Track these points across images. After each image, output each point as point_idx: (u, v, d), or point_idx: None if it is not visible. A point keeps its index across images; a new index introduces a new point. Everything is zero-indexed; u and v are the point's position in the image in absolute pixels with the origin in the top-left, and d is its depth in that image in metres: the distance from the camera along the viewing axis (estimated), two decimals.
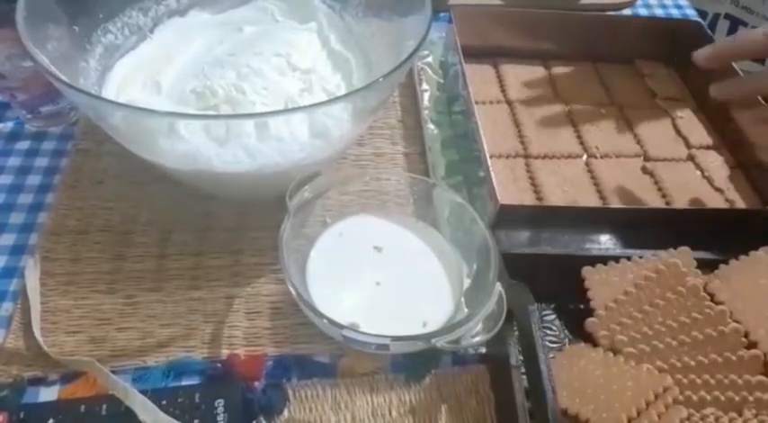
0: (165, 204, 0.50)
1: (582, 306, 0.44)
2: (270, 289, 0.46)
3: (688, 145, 0.59)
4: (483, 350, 0.43)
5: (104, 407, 0.38)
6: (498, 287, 0.37)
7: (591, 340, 0.42)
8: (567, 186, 0.53)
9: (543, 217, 0.47)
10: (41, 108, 0.54)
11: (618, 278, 0.44)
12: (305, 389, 0.40)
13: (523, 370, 0.38)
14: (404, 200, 0.47)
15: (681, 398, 0.37)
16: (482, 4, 0.69)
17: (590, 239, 0.48)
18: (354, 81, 0.51)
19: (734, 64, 0.60)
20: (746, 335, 0.40)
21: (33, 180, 0.51)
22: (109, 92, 0.48)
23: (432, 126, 0.59)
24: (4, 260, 0.46)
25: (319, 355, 0.42)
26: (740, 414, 0.36)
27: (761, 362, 0.39)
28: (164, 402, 0.38)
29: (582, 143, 0.58)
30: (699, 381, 0.38)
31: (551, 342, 0.44)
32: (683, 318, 0.41)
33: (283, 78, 0.48)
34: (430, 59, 0.65)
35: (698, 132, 0.60)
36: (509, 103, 0.61)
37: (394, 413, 0.40)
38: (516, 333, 0.39)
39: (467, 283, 0.42)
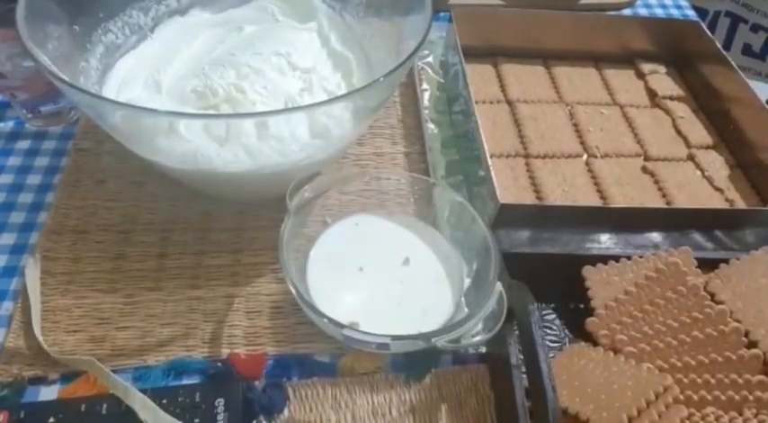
0: (165, 204, 0.50)
1: (582, 305, 0.44)
2: (270, 288, 0.46)
3: (688, 145, 0.59)
4: (483, 349, 0.43)
5: (104, 406, 0.38)
6: (498, 287, 0.37)
7: (591, 339, 0.42)
8: (566, 186, 0.53)
9: (543, 216, 0.47)
10: (42, 107, 0.54)
11: (618, 277, 0.44)
12: (305, 388, 0.40)
13: (524, 369, 0.38)
14: (404, 199, 0.47)
15: (681, 397, 0.37)
16: (482, 4, 0.69)
17: (590, 239, 0.48)
18: (355, 81, 0.51)
19: (732, 62, 0.60)
20: (746, 334, 0.40)
21: (34, 179, 0.51)
22: (109, 91, 0.48)
23: (432, 126, 0.59)
24: (4, 259, 0.46)
25: (319, 354, 0.42)
26: (740, 413, 0.36)
27: (761, 361, 0.39)
28: (164, 401, 0.38)
29: (582, 143, 0.58)
30: (699, 380, 0.38)
31: (551, 341, 0.44)
32: (684, 317, 0.41)
33: (283, 78, 0.48)
34: (430, 59, 0.65)
35: (698, 132, 0.60)
36: (509, 102, 0.61)
37: (394, 412, 0.40)
38: (516, 332, 0.39)
39: (467, 282, 0.42)
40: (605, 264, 0.44)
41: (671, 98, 0.64)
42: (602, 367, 0.39)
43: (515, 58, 0.65)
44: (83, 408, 0.38)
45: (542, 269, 0.41)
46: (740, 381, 0.37)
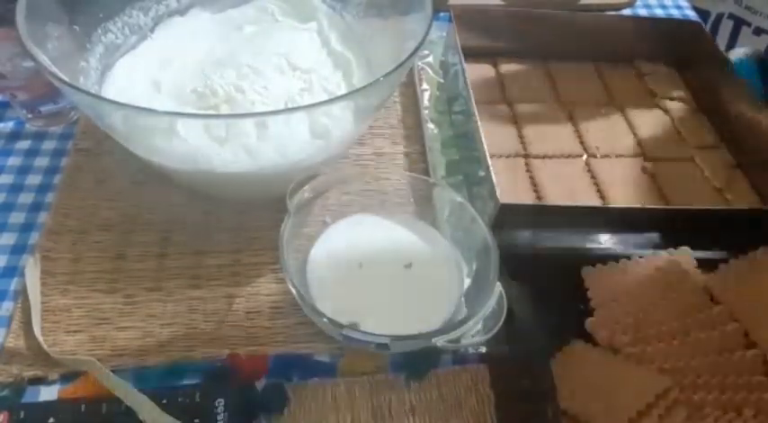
0: (165, 204, 0.50)
1: (582, 306, 0.44)
2: (270, 288, 0.46)
3: (688, 145, 0.59)
4: (483, 349, 0.43)
5: (104, 406, 0.38)
6: (498, 287, 0.37)
7: (591, 340, 0.42)
8: (567, 186, 0.53)
9: (543, 217, 0.47)
10: (42, 108, 0.54)
11: (618, 278, 0.44)
12: (305, 388, 0.40)
13: (523, 370, 0.38)
14: (404, 199, 0.47)
15: (681, 398, 0.37)
16: (482, 4, 0.69)
17: (590, 239, 0.48)
18: (355, 81, 0.51)
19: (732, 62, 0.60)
20: (746, 335, 0.40)
21: (34, 180, 0.51)
22: (109, 91, 0.48)
23: (432, 126, 0.59)
24: (4, 259, 0.46)
25: (319, 354, 0.42)
26: (740, 414, 0.36)
27: (761, 362, 0.39)
28: (164, 402, 0.38)
29: (582, 143, 0.58)
30: (699, 381, 0.38)
31: (551, 342, 0.43)
32: (684, 317, 0.41)
33: (283, 78, 0.48)
34: (430, 59, 0.65)
35: (698, 132, 0.60)
36: (509, 103, 0.61)
37: (394, 412, 0.40)
38: (516, 333, 0.39)
39: (467, 282, 0.42)
40: (605, 264, 0.44)
41: (671, 98, 0.64)
42: (602, 367, 0.39)
43: (515, 58, 0.65)
44: (83, 408, 0.38)
45: (542, 269, 0.41)
46: (740, 381, 0.37)
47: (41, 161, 0.53)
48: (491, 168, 0.47)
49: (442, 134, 0.58)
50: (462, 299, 0.41)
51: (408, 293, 0.41)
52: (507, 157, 0.56)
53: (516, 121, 0.59)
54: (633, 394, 0.37)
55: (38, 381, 0.40)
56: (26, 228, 0.48)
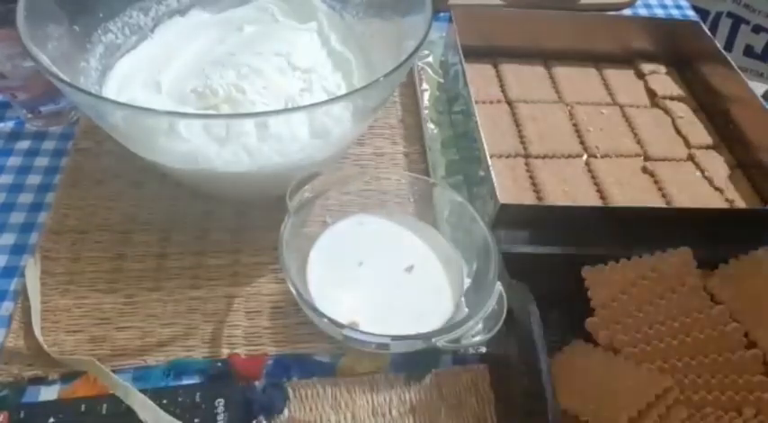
0: (165, 204, 0.50)
1: (582, 305, 0.44)
2: (270, 288, 0.46)
3: (688, 145, 0.59)
4: (483, 350, 0.43)
5: (105, 406, 0.38)
6: (498, 287, 0.37)
7: (591, 340, 0.42)
8: (567, 186, 0.53)
9: (543, 217, 0.47)
10: (42, 107, 0.54)
11: (618, 278, 0.44)
12: (305, 388, 0.40)
13: (524, 369, 0.38)
14: (404, 199, 0.47)
15: (681, 398, 0.37)
16: (482, 4, 0.69)
17: (590, 239, 0.48)
18: (355, 81, 0.51)
19: (732, 62, 0.60)
20: (746, 335, 0.40)
21: (33, 180, 0.51)
22: (109, 91, 0.48)
23: (432, 126, 0.59)
24: (4, 259, 0.46)
25: (319, 354, 0.42)
26: (740, 414, 0.36)
27: (761, 362, 0.39)
28: (164, 402, 0.38)
29: (582, 143, 0.58)
30: (699, 381, 0.38)
31: (551, 342, 0.43)
32: (684, 317, 0.41)
33: (283, 78, 0.48)
34: (430, 59, 0.65)
35: (698, 132, 0.60)
36: (509, 103, 0.61)
37: (394, 412, 0.40)
38: (516, 333, 0.39)
39: (467, 282, 0.42)
40: (605, 264, 0.44)
41: (671, 98, 0.64)
42: (602, 367, 0.39)
43: (515, 58, 0.65)
44: (83, 408, 0.38)
45: (542, 269, 0.41)
46: (740, 381, 0.37)
47: (41, 161, 0.53)
48: (491, 168, 0.47)
49: (442, 134, 0.58)
50: (462, 299, 0.41)
51: (408, 293, 0.41)
52: (507, 157, 0.56)
53: (516, 121, 0.59)
54: (633, 394, 0.37)
55: (38, 381, 0.40)
56: (26, 228, 0.48)
